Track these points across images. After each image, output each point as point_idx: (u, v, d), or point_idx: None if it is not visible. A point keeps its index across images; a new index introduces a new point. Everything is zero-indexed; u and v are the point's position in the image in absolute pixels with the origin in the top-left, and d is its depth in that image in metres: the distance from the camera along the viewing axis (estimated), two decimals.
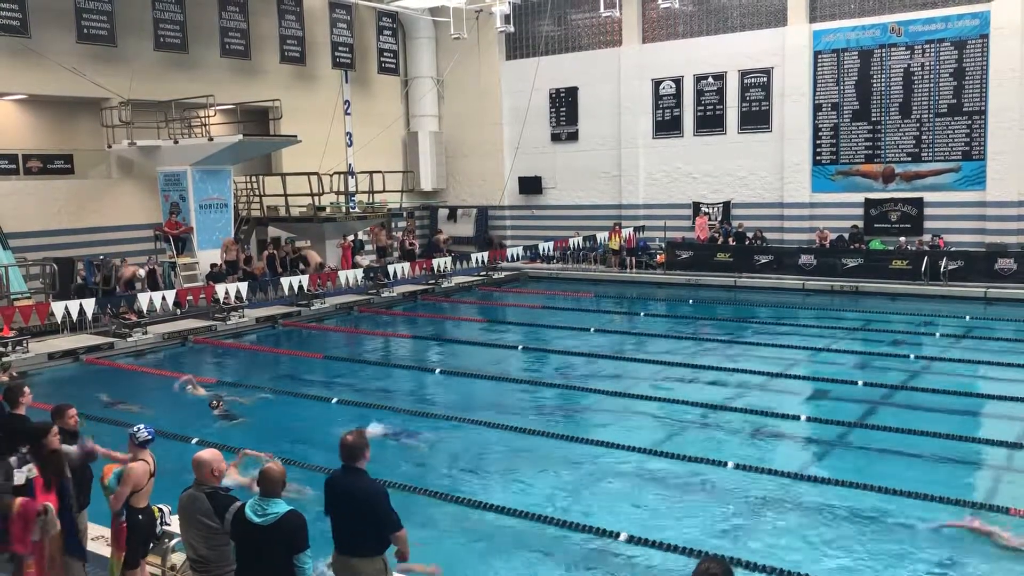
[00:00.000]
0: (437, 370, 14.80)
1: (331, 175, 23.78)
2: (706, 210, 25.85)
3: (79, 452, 6.41)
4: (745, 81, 25.14)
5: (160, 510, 6.42)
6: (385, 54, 27.82)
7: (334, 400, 12.59)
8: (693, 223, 25.78)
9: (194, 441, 10.14)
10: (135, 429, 6.20)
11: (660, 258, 24.72)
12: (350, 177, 25.75)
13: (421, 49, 29.58)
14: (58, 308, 15.84)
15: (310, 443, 10.59)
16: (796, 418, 11.17)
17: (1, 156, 20.61)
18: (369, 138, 27.12)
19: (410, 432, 10.83)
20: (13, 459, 6.04)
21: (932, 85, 22.54)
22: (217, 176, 20.75)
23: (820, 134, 24.13)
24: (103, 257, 19.75)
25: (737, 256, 23.48)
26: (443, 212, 30.62)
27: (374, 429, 10.48)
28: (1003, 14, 21.40)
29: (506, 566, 7.44)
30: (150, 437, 6.15)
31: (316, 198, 22.77)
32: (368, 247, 25.95)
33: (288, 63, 24.71)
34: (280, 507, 4.97)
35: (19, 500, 5.89)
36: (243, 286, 18.52)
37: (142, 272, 17.98)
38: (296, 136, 21.85)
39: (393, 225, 27.33)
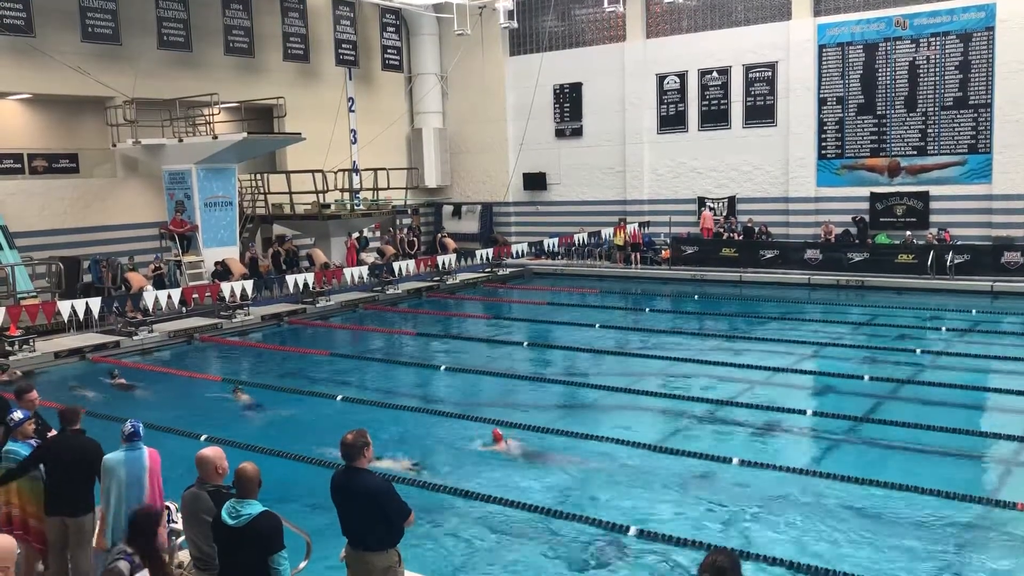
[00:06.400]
0: (442, 366, 14.78)
1: (335, 172, 23.80)
2: (711, 205, 25.79)
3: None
4: (750, 75, 25.05)
5: (167, 508, 6.42)
6: (389, 51, 27.80)
7: (339, 397, 12.60)
8: (699, 218, 25.70)
9: (203, 438, 10.16)
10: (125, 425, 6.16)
11: (665, 253, 24.67)
12: (355, 174, 25.77)
13: (425, 46, 29.55)
14: (64, 307, 15.89)
15: (312, 442, 10.59)
16: (802, 413, 11.18)
17: (6, 155, 20.67)
18: (373, 135, 27.13)
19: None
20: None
21: (937, 78, 22.44)
22: (222, 174, 20.77)
23: (825, 128, 24.04)
24: (97, 256, 19.78)
25: (742, 251, 23.41)
26: (448, 209, 30.59)
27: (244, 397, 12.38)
28: (1009, 6, 21.27)
29: (513, 560, 7.44)
30: (133, 430, 6.10)
31: (321, 195, 22.79)
32: (374, 245, 25.96)
33: (292, 61, 24.72)
34: (254, 508, 4.97)
35: None
36: (248, 284, 18.54)
37: (150, 286, 18.04)
38: (300, 134, 21.85)
39: (398, 222, 27.31)
